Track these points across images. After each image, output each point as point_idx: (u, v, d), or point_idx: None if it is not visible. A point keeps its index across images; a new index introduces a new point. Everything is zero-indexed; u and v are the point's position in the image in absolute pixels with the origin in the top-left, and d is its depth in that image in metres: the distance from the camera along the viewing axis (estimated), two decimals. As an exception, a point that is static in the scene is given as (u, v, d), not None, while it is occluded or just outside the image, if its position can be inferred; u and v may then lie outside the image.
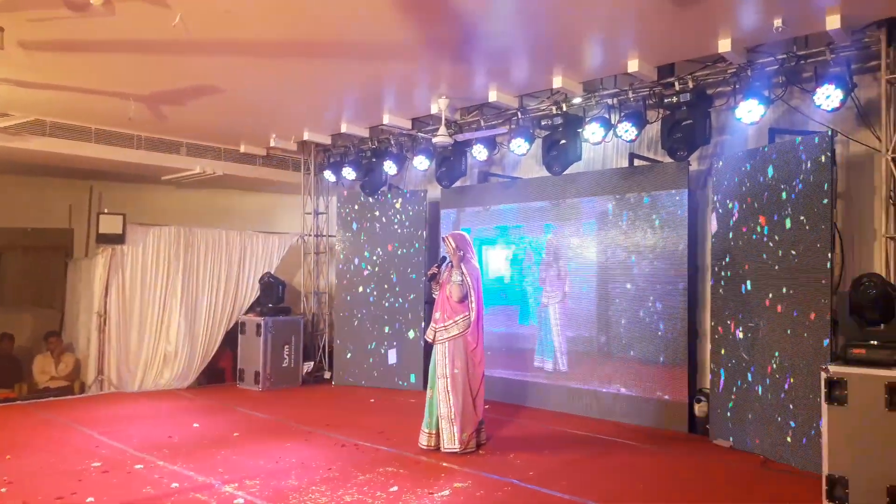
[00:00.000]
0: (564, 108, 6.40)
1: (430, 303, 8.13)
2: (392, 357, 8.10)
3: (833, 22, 4.64)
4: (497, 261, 7.58)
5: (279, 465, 4.94)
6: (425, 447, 5.28)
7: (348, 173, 8.28)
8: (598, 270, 6.64)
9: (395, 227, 8.31)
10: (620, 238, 6.48)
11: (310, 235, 9.33)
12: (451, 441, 5.19)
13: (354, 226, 8.55)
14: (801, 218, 4.94)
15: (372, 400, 7.51)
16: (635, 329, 6.33)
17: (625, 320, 6.40)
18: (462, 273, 5.24)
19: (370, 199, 8.43)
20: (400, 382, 8.10)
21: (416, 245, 8.16)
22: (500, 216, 7.54)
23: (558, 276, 7.00)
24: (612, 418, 6.40)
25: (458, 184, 7.82)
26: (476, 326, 5.29)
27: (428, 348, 8.90)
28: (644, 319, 6.26)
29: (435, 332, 5.31)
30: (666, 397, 6.09)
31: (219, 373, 8.84)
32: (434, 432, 5.26)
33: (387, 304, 8.26)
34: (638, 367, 6.29)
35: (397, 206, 8.32)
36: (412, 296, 8.13)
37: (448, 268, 5.37)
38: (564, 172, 6.54)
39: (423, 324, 7.94)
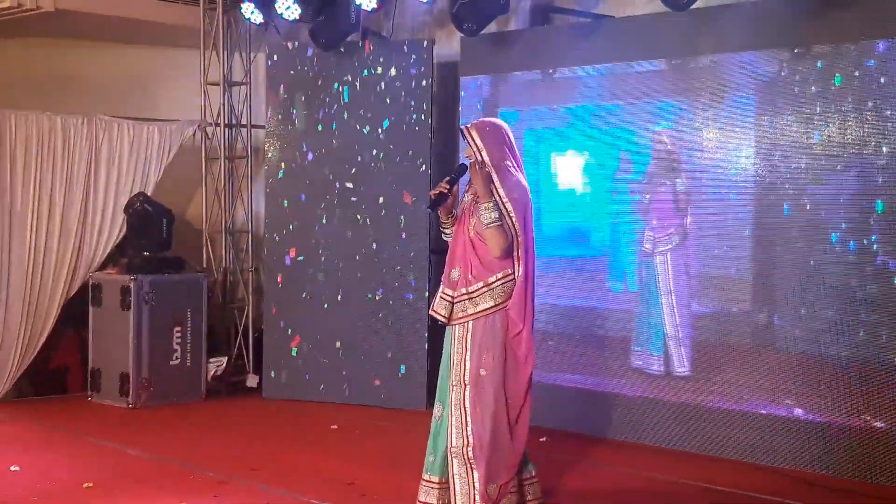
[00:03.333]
0: None
1: (437, 251, 7.99)
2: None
3: None
4: (566, 173, 7.66)
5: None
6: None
7: (287, 7, 8.12)
8: (756, 191, 6.70)
9: (377, 109, 8.34)
10: (799, 128, 6.45)
11: (216, 125, 9.37)
12: (466, 497, 5.19)
13: (300, 108, 8.59)
14: None
15: (334, 426, 7.62)
16: (826, 300, 6.33)
17: (804, 284, 6.43)
18: (501, 201, 5.21)
19: (329, 58, 8.43)
20: (385, 395, 8.23)
21: (417, 144, 8.21)
22: (573, 89, 7.56)
23: (674, 200, 7.06)
24: (779, 462, 6.43)
25: (492, 27, 7.75)
26: (524, 293, 5.29)
27: (436, 333, 8.66)
28: (842, 282, 6.27)
29: (452, 303, 5.28)
30: (878, 424, 6.11)
31: (56, 375, 8.91)
32: (443, 481, 5.30)
33: (364, 252, 8.34)
34: (828, 369, 6.34)
35: (379, 69, 8.35)
36: (408, 236, 8.21)
37: (470, 187, 5.38)
38: (694, 6, 6.47)
39: (427, 287, 8.05)
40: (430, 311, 5.42)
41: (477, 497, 5.12)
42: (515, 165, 5.33)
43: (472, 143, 5.29)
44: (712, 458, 6.57)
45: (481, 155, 5.24)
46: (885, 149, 6.09)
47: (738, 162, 6.70)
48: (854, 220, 6.21)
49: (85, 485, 5.91)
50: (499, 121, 5.55)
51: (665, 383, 7.02)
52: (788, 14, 6.43)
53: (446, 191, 5.30)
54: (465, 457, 5.15)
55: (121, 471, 6.28)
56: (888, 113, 6.07)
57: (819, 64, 6.33)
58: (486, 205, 5.15)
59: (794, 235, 6.45)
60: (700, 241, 6.97)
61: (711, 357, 6.84)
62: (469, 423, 5.17)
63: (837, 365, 6.26)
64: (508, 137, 5.36)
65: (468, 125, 5.39)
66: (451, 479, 5.20)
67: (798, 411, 6.38)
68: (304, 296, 8.47)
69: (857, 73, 6.18)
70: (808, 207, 6.38)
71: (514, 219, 5.18)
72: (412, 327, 8.09)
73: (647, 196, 7.19)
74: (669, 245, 7.07)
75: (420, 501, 5.33)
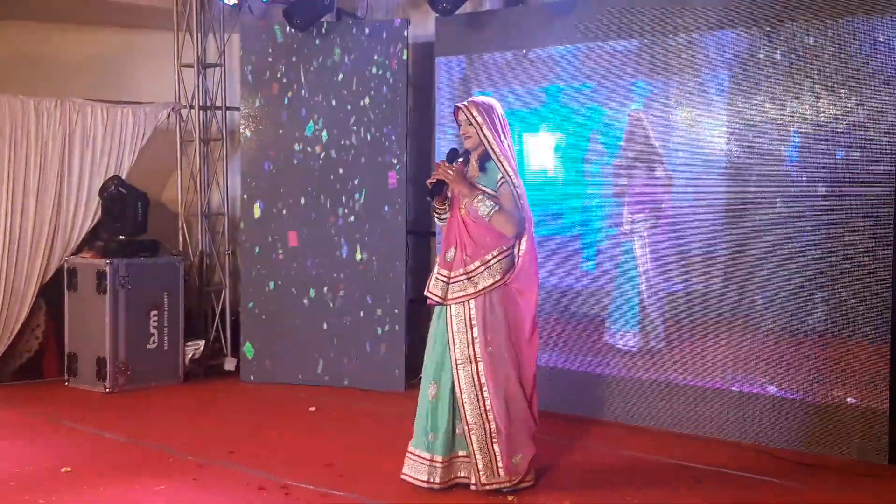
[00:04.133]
0: None
1: (414, 232, 8.00)
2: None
3: None
4: (541, 154, 7.68)
5: (144, 528, 4.93)
6: (426, 484, 5.34)
7: (261, -11, 8.20)
8: (728, 170, 6.72)
9: (352, 90, 8.37)
10: (774, 108, 6.48)
11: (191, 107, 9.37)
12: (489, 471, 5.29)
13: (274, 88, 8.59)
14: None
15: (312, 408, 7.65)
16: (800, 278, 6.37)
17: (776, 262, 6.45)
18: (508, 176, 5.33)
19: (302, 38, 8.46)
20: (363, 377, 8.27)
21: (392, 125, 8.24)
22: (549, 69, 7.57)
23: (650, 180, 7.12)
24: (752, 439, 6.51)
25: (467, 7, 7.81)
26: (531, 263, 5.44)
27: (414, 315, 8.65)
28: (815, 259, 6.31)
29: (447, 284, 5.38)
30: (850, 400, 6.18)
31: (33, 360, 8.87)
32: (446, 460, 5.38)
33: (341, 234, 8.39)
34: (800, 345, 6.39)
35: (354, 50, 8.38)
36: (385, 217, 8.25)
37: (461, 166, 5.48)
38: (668, -15, 6.68)
39: (404, 269, 8.16)
40: (426, 293, 5.48)
41: (501, 471, 5.25)
42: (508, 145, 5.44)
43: (472, 121, 5.36)
44: (687, 436, 6.63)
45: (482, 130, 5.31)
46: (858, 126, 6.10)
47: (712, 141, 6.71)
48: (827, 197, 6.23)
49: (63, 469, 5.90)
50: (493, 99, 5.60)
51: (641, 362, 7.08)
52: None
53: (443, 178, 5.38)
54: (486, 431, 5.26)
55: (99, 455, 6.28)
56: (861, 91, 6.07)
57: (791, 42, 6.33)
58: (477, 198, 5.26)
59: (767, 213, 6.45)
60: (676, 220, 6.99)
61: (687, 335, 6.89)
62: (486, 399, 5.27)
63: (811, 342, 6.33)
64: (502, 117, 5.46)
65: (465, 103, 5.47)
66: (472, 456, 5.31)
67: (771, 388, 6.43)
68: (280, 279, 8.47)
69: (830, 51, 6.18)
70: (781, 185, 6.40)
71: (519, 194, 5.31)
72: (390, 309, 8.08)
73: (623, 176, 7.20)
74: (646, 225, 7.12)
75: (410, 476, 5.38)
